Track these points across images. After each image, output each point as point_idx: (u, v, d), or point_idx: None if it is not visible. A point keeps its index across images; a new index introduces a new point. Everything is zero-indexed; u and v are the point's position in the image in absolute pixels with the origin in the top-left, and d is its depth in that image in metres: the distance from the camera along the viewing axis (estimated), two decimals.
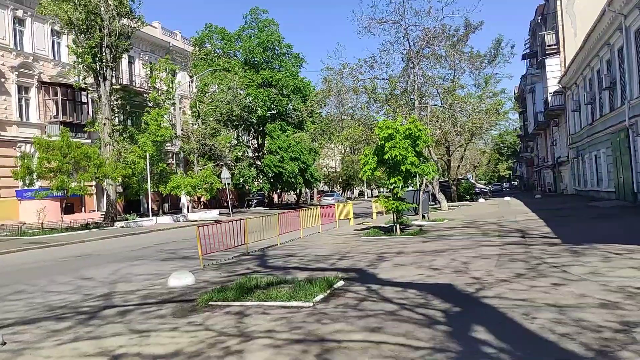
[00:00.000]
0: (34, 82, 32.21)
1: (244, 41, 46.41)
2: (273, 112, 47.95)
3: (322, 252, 11.98)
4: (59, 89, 32.77)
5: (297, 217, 16.66)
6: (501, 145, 79.54)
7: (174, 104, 34.95)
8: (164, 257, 13.92)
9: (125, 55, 39.41)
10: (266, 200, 52.52)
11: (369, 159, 15.40)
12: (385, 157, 14.78)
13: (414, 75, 25.72)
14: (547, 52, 37.22)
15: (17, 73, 30.94)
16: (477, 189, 39.85)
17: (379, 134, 15.15)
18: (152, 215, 32.35)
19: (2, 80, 30.22)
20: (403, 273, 8.45)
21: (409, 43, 26.05)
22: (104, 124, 28.74)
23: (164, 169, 32.18)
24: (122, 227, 27.38)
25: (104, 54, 27.94)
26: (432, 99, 28.64)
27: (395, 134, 14.81)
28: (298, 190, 56.81)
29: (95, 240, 21.12)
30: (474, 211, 25.09)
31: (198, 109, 38.65)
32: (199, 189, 32.37)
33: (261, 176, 46.94)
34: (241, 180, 44.62)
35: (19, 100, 31.45)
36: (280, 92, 46.23)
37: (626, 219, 15.37)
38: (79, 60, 28.06)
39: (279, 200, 64.89)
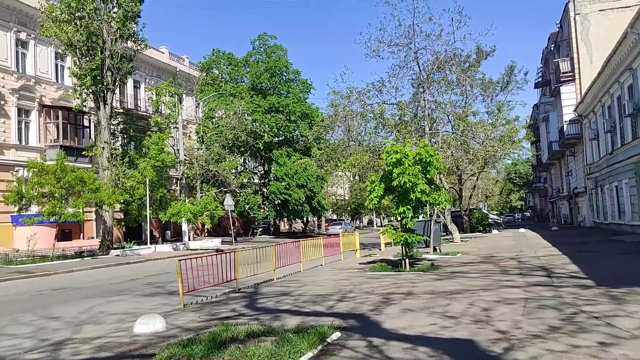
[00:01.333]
0: (35, 105, 31.63)
1: (252, 67, 45.89)
2: (280, 138, 47.03)
3: (321, 291, 10.63)
4: (60, 112, 32.13)
5: (297, 248, 15.33)
6: (513, 175, 78.02)
7: (176, 128, 34.08)
8: (149, 291, 12.66)
9: (130, 80, 39.02)
10: (272, 229, 51.10)
11: (376, 185, 14.14)
12: (394, 184, 13.51)
13: (424, 101, 24.66)
14: (562, 80, 36.09)
15: (17, 95, 30.37)
16: (490, 220, 38.27)
17: (386, 159, 13.92)
18: (151, 243, 31.14)
19: (2, 102, 29.62)
20: (412, 322, 7.09)
21: (419, 67, 25.13)
22: (103, 148, 27.81)
23: (164, 195, 31.06)
24: (118, 255, 26.12)
25: (105, 77, 27.22)
26: (443, 125, 27.57)
27: (404, 159, 13.57)
28: (305, 219, 55.42)
29: (85, 270, 19.88)
30: (488, 244, 23.59)
31: (202, 134, 37.81)
32: (199, 216, 31.16)
33: (267, 203, 45.70)
34: (246, 207, 43.40)
35: (19, 123, 30.82)
36: (288, 118, 45.39)
37: None
38: (79, 82, 27.34)
39: (287, 228, 63.43)
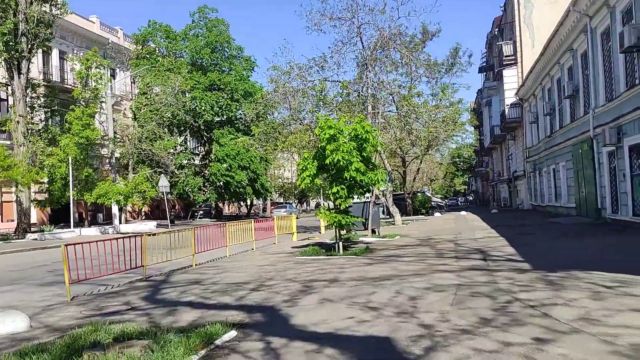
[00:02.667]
0: None
1: (191, 41, 43.49)
2: (222, 118, 45.08)
3: (239, 278, 9.50)
4: None
5: (222, 232, 14.09)
6: (457, 159, 79.27)
7: (104, 102, 31.67)
8: (49, 280, 11.15)
9: (56, 50, 36.13)
10: (213, 211, 49.35)
11: (309, 163, 13.05)
12: (327, 161, 12.49)
13: (367, 78, 23.73)
14: (504, 63, 36.15)
15: None
16: (433, 203, 38.19)
17: (320, 135, 12.88)
18: (79, 227, 28.98)
19: None
20: (328, 315, 6.08)
21: (362, 43, 24.15)
22: (18, 122, 25.35)
23: (90, 175, 28.81)
24: (35, 239, 23.97)
25: (19, 43, 24.62)
26: (388, 105, 26.85)
27: (338, 135, 12.56)
28: (249, 201, 53.95)
29: None
30: (429, 226, 23.15)
31: (134, 110, 35.51)
32: (129, 197, 29.16)
33: (208, 186, 43.81)
34: (186, 189, 41.40)
35: None
36: (230, 96, 43.46)
37: (596, 237, 13.60)
38: None
39: (235, 211, 61.69)
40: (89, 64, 29.67)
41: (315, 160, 13.05)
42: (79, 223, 35.01)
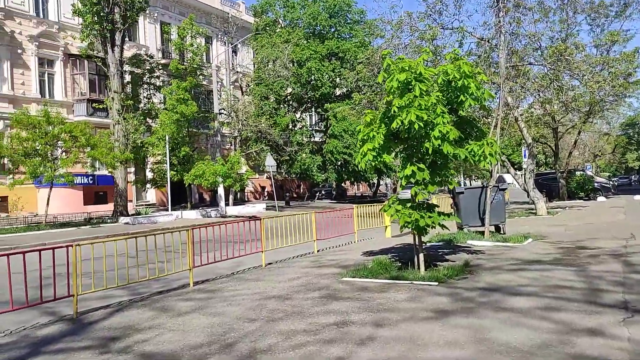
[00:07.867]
0: (59, 55, 28.93)
1: (309, 7, 40.05)
2: (343, 90, 41.10)
3: (181, 338, 5.31)
4: (86, 63, 28.92)
5: (258, 227, 10.02)
6: (630, 130, 65.68)
7: (203, 75, 29.65)
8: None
9: (174, 28, 35.49)
10: (334, 192, 46.10)
11: (372, 131, 8.19)
12: (393, 125, 7.68)
13: (500, 18, 17.65)
14: None
15: (37, 43, 27.59)
16: (595, 184, 29.98)
17: (385, 82, 8.09)
18: (173, 209, 27.48)
19: (19, 51, 26.94)
20: None
21: None
22: (112, 99, 24.10)
23: (187, 154, 27.03)
24: (127, 223, 22.54)
25: (112, 13, 23.24)
26: (533, 59, 20.42)
27: (414, 82, 7.61)
28: (376, 181, 49.65)
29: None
30: (585, 219, 16.52)
31: (242, 86, 33.24)
32: (229, 177, 26.77)
33: (328, 164, 40.43)
34: (302, 168, 38.48)
35: (41, 74, 28.13)
36: (351, 66, 39.26)
37: None
38: (85, 22, 23.65)
39: (365, 191, 58.17)
40: (185, 32, 27.76)
41: (382, 125, 8.22)
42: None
